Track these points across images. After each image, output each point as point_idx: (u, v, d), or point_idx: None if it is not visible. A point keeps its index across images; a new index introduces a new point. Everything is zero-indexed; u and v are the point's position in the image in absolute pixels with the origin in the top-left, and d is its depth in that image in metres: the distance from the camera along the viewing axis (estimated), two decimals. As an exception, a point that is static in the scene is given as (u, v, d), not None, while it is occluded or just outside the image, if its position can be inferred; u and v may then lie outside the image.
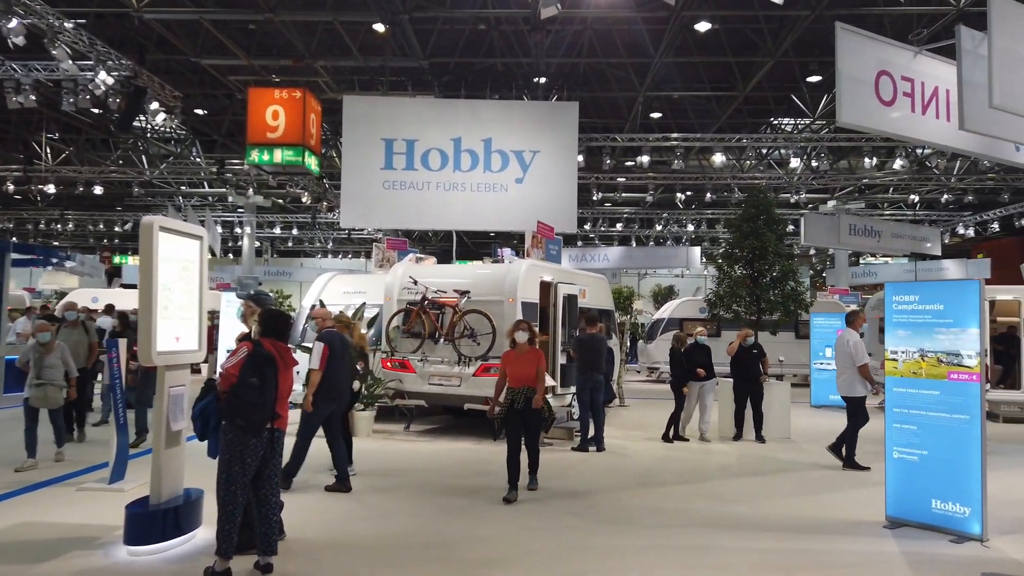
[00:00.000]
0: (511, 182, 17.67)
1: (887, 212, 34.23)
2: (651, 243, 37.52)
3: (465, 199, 17.47)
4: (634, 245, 36.51)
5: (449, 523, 7.43)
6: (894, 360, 7.89)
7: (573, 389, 13.50)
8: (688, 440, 12.46)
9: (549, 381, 12.09)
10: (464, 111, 17.84)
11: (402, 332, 12.88)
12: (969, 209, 33.12)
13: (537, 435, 8.79)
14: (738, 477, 9.96)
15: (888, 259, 43.74)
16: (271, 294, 25.97)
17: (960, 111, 8.79)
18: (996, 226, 30.96)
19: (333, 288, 15.05)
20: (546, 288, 13.35)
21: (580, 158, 22.16)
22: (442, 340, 12.56)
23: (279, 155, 20.80)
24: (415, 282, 12.88)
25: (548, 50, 19.44)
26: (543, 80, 21.11)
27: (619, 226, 35.21)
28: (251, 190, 28.39)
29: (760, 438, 12.40)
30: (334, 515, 7.70)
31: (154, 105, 18.62)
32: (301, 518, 7.37)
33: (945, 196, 27.01)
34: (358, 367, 9.73)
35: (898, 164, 21.87)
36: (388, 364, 13.03)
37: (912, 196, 27.66)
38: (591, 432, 11.65)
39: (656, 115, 26.51)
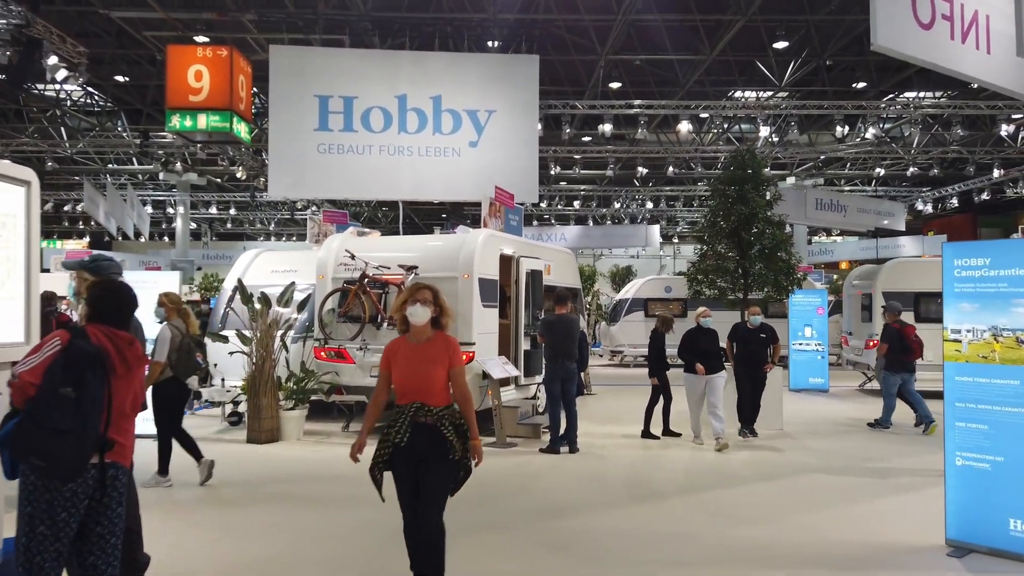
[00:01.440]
0: (464, 146, 15.51)
1: (846, 188, 33.09)
2: (608, 222, 35.78)
3: (412, 165, 15.23)
4: (591, 224, 34.71)
5: (378, 560, 5.38)
6: (956, 341, 6.11)
7: (539, 379, 11.55)
8: (679, 435, 10.58)
9: (506, 370, 10.13)
10: (409, 65, 15.53)
11: (338, 316, 10.74)
12: (928, 185, 32.21)
13: (440, 499, 4.55)
14: (742, 485, 8.13)
15: (837, 238, 42.94)
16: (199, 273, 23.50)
17: (1019, 34, 7.11)
18: (955, 201, 30.02)
19: (259, 267, 12.77)
20: (507, 263, 11.34)
21: (538, 126, 20.15)
22: (386, 324, 10.47)
23: (203, 120, 18.22)
24: (352, 257, 10.74)
25: (502, 6, 17.34)
26: (497, 44, 19.01)
27: (576, 204, 33.35)
28: (179, 164, 25.59)
29: (752, 432, 10.56)
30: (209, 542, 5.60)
31: (53, 60, 15.92)
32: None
33: (912, 169, 25.83)
34: (197, 358, 7.72)
35: (870, 133, 20.42)
36: (322, 354, 10.89)
37: (877, 169, 26.43)
38: (562, 430, 9.73)
39: (616, 85, 24.60)
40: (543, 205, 33.31)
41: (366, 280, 10.61)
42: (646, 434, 10.59)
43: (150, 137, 25.75)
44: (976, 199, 29.08)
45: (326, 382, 10.74)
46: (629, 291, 22.97)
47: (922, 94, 21.29)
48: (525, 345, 11.42)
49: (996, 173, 25.33)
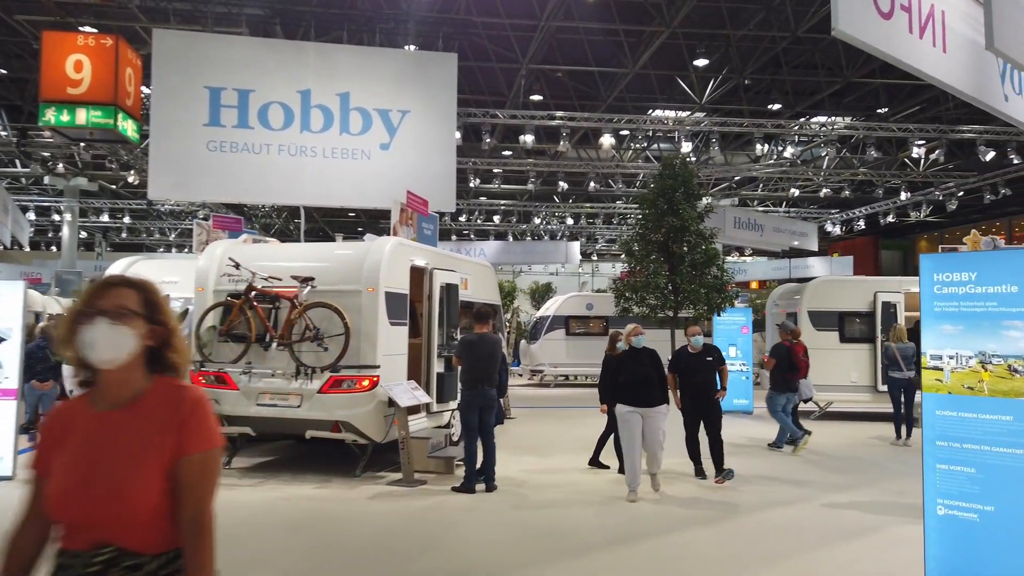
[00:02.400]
0: (374, 148, 14.06)
1: (759, 209, 33.29)
2: (529, 238, 34.84)
3: (316, 167, 13.67)
4: (511, 240, 33.68)
5: None
6: (937, 369, 5.17)
7: (453, 405, 10.24)
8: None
9: (415, 397, 8.79)
10: (315, 57, 13.96)
11: (219, 334, 9.14)
12: (837, 207, 32.73)
13: None
14: (681, 531, 7.02)
15: (749, 258, 43.48)
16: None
17: (988, 26, 6.42)
18: (863, 224, 30.53)
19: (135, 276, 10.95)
20: (418, 275, 10.02)
21: (457, 135, 18.95)
22: (275, 345, 8.95)
23: (83, 115, 16.17)
24: (237, 266, 9.17)
25: (419, 5, 16.09)
26: (412, 49, 17.70)
27: (496, 219, 32.26)
28: (61, 166, 23.04)
29: (726, 473, 8.64)
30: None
31: None
32: None
33: (824, 191, 25.96)
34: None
35: (788, 152, 20.17)
36: (200, 379, 9.24)
37: (792, 190, 26.42)
38: (479, 464, 8.45)
39: (537, 97, 23.71)
40: (462, 219, 32.08)
41: (253, 293, 9.07)
42: (595, 462, 9.41)
43: (28, 136, 23.12)
44: (882, 222, 29.60)
45: (204, 412, 9.08)
46: (550, 308, 21.95)
47: (833, 118, 21.26)
48: (438, 367, 10.10)
49: (903, 196, 25.70)
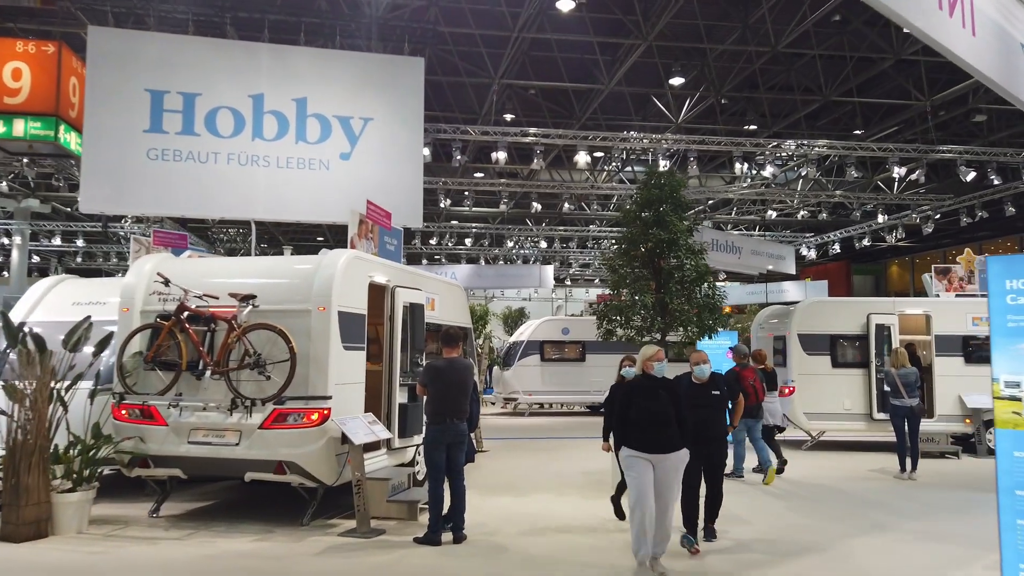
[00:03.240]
0: (334, 158, 12.83)
1: (734, 232, 32.63)
2: (501, 262, 33.75)
3: (270, 178, 12.37)
4: (483, 263, 32.56)
5: None
6: (1015, 400, 4.11)
7: (418, 440, 9.01)
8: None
9: (372, 432, 7.58)
10: (269, 59, 12.72)
11: (145, 360, 7.82)
12: (812, 231, 32.19)
13: None
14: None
15: (724, 282, 42.81)
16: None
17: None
18: (837, 247, 29.96)
19: (56, 298, 9.63)
20: (378, 293, 8.82)
21: (426, 152, 17.86)
22: (209, 373, 7.65)
23: (21, 127, 14.89)
24: (167, 282, 7.89)
25: (386, 16, 15.07)
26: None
27: (468, 242, 31.13)
28: (4, 184, 21.47)
29: (711, 534, 7.17)
30: None
31: None
32: None
33: (802, 213, 25.33)
34: None
35: (768, 171, 19.41)
36: (123, 412, 7.90)
37: (770, 212, 25.75)
38: (446, 508, 7.20)
39: (509, 116, 22.79)
40: (433, 242, 30.90)
41: (185, 314, 7.78)
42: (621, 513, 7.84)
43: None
44: (857, 245, 29.05)
45: (126, 451, 7.74)
46: (524, 332, 20.79)
47: (808, 141, 20.61)
48: (401, 397, 8.86)
49: (881, 218, 25.13)
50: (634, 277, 9.34)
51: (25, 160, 18.85)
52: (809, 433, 13.72)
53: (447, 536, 7.12)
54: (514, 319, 33.92)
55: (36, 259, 33.92)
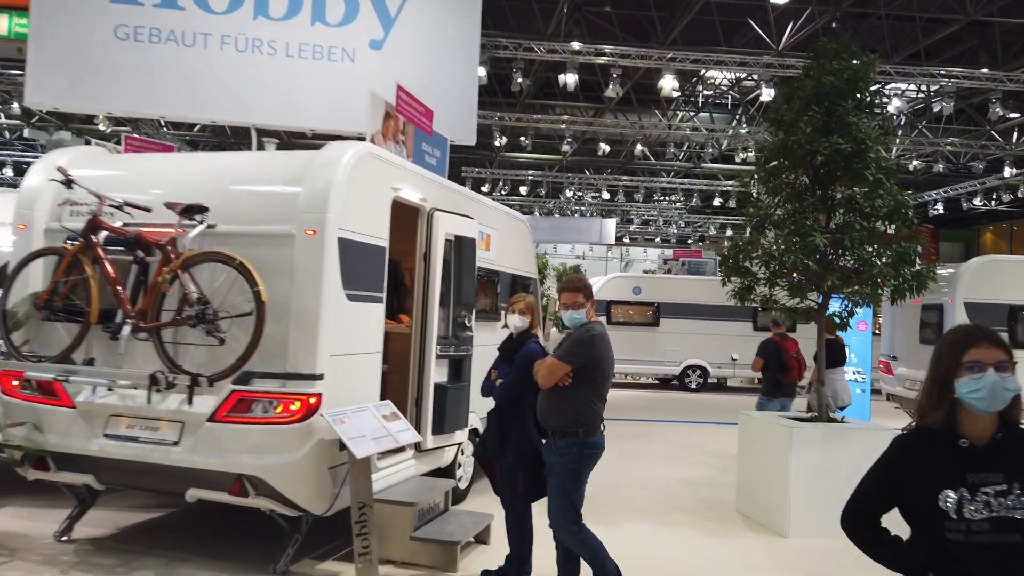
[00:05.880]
0: (362, 46, 9.45)
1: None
2: (557, 214, 30.27)
3: (276, 72, 9.10)
4: (537, 215, 29.16)
5: None
6: None
7: (460, 436, 5.97)
8: None
9: (390, 435, 4.47)
10: (276, -92, 9.48)
11: (36, 307, 4.87)
12: (908, 187, 27.81)
13: None
14: None
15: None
16: None
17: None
18: (940, 207, 25.62)
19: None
20: (408, 217, 5.70)
21: (482, 71, 14.54)
22: (129, 329, 4.66)
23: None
24: (70, 183, 4.88)
25: None
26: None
27: (523, 190, 27.73)
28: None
29: None
30: None
31: None
32: None
33: (914, 163, 21.21)
34: None
35: (894, 106, 15.51)
36: (12, 383, 4.99)
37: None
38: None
39: (576, 45, 19.17)
40: (484, 190, 27.64)
41: (101, 234, 4.78)
42: None
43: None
44: (965, 205, 24.73)
45: (12, 443, 4.85)
46: (587, 291, 17.49)
47: (944, 69, 16.53)
48: (438, 375, 5.76)
49: (1008, 172, 20.88)
50: (793, 211, 5.95)
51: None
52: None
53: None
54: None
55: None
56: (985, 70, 16.14)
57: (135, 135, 11.01)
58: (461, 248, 6.09)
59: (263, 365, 4.53)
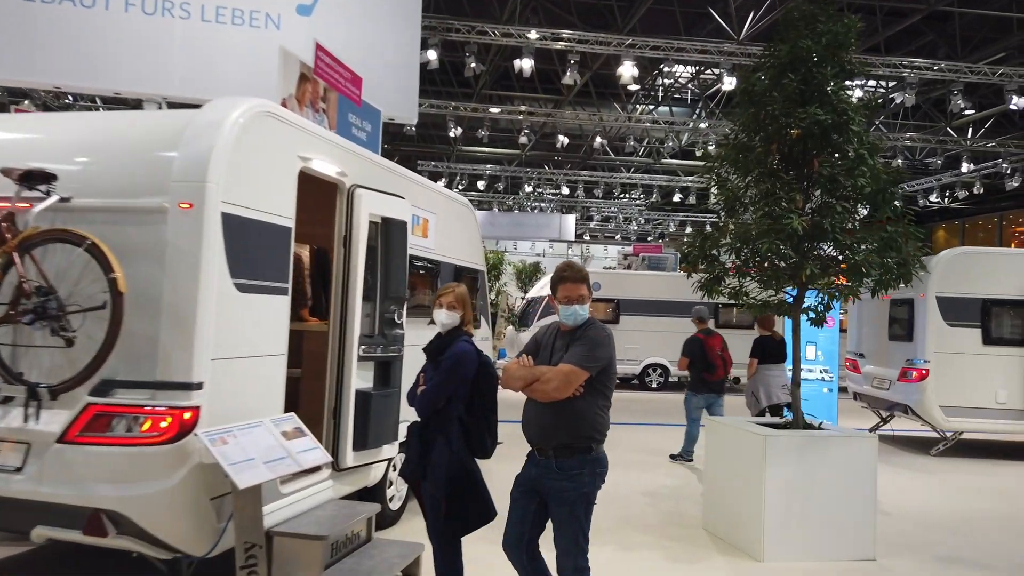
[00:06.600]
0: (288, 11, 8.33)
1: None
2: (516, 210, 29.48)
3: (190, 38, 7.94)
4: (496, 211, 28.33)
5: None
6: None
7: (389, 451, 5.13)
8: None
9: (288, 459, 3.55)
10: None
11: None
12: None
13: None
14: None
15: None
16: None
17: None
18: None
19: None
20: (324, 194, 4.83)
21: (432, 56, 13.69)
22: (-50, 328, 3.70)
23: None
24: None
25: None
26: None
27: (481, 185, 26.85)
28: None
29: None
30: None
31: None
32: None
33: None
34: None
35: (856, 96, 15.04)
36: None
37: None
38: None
39: (533, 34, 18.37)
40: (440, 184, 26.70)
41: (-81, 208, 3.80)
42: None
43: None
44: (921, 202, 24.65)
45: None
46: (545, 287, 16.73)
47: (908, 60, 16.17)
48: (362, 381, 4.89)
49: (965, 167, 20.75)
50: (766, 191, 5.24)
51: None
52: (943, 433, 9.77)
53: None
54: (528, 275, 29.87)
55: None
56: (944, 64, 15.82)
57: (28, 107, 9.83)
58: (390, 232, 5.23)
59: (128, 372, 3.61)
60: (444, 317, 3.84)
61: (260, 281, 4.04)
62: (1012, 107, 15.27)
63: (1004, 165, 20.41)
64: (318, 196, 4.89)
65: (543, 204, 29.64)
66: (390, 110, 7.67)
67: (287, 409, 4.34)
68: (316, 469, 4.24)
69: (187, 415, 3.55)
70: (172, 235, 3.65)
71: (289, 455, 3.79)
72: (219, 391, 3.71)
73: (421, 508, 3.93)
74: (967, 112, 18.61)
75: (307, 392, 4.98)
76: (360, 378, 4.88)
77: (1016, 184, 21.21)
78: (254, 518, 3.55)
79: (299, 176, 4.42)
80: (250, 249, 3.94)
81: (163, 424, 3.55)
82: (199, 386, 3.59)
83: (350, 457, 4.78)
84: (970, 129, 21.33)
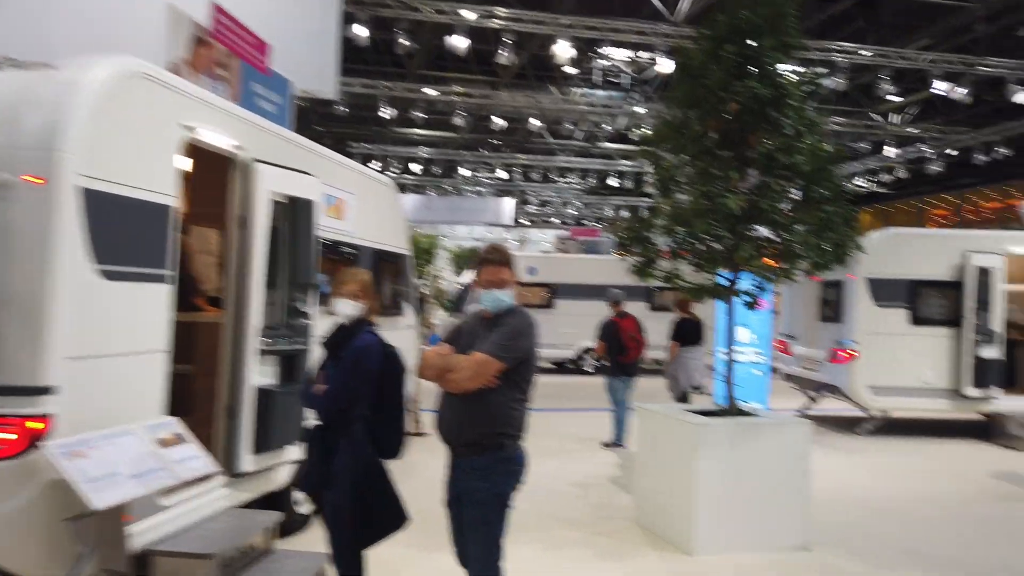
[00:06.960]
0: None
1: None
2: (452, 193, 28.85)
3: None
4: (432, 194, 27.65)
5: None
6: None
7: (293, 452, 4.64)
8: None
9: (161, 472, 3.04)
10: None
11: None
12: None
13: None
14: None
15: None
16: None
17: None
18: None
19: None
20: (217, 170, 4.29)
21: (363, 31, 13.02)
22: None
23: None
24: None
25: None
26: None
27: (416, 168, 26.12)
28: None
29: None
30: None
31: None
32: None
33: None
34: None
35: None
36: None
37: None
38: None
39: (466, 12, 17.78)
40: (358, 164, 25.84)
41: None
42: None
43: None
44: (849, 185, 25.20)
45: None
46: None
47: (838, 44, 16.36)
48: (263, 377, 4.41)
49: (890, 152, 21.29)
50: (701, 171, 4.96)
51: None
52: (870, 413, 9.85)
53: None
54: (464, 260, 29.34)
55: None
56: (873, 49, 16.04)
57: None
58: (296, 213, 4.74)
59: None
60: (345, 307, 3.42)
61: (132, 267, 3.52)
62: (935, 91, 15.59)
63: (926, 150, 20.99)
64: (221, 173, 4.37)
65: (480, 188, 29.15)
66: (305, 83, 7.09)
67: (175, 411, 3.85)
68: (201, 479, 3.75)
69: (37, 424, 3.03)
70: (17, 214, 3.10)
71: (165, 466, 3.31)
72: (81, 395, 3.20)
73: (324, 521, 3.51)
74: (891, 98, 19.01)
75: (202, 391, 4.47)
76: (261, 373, 4.41)
77: (938, 169, 21.89)
78: (116, 543, 3.07)
79: (189, 150, 3.89)
80: (119, 230, 3.41)
81: (8, 436, 3.02)
82: (51, 390, 3.07)
83: (248, 461, 4.31)
84: (895, 115, 21.85)
